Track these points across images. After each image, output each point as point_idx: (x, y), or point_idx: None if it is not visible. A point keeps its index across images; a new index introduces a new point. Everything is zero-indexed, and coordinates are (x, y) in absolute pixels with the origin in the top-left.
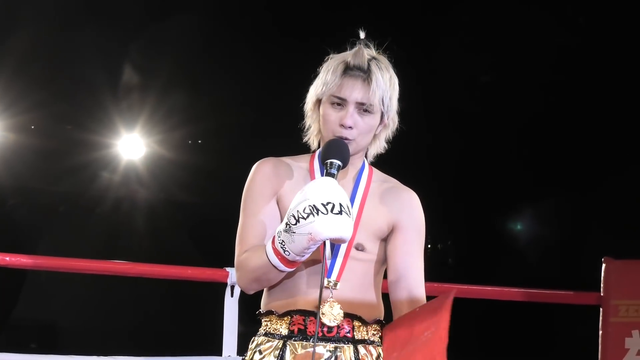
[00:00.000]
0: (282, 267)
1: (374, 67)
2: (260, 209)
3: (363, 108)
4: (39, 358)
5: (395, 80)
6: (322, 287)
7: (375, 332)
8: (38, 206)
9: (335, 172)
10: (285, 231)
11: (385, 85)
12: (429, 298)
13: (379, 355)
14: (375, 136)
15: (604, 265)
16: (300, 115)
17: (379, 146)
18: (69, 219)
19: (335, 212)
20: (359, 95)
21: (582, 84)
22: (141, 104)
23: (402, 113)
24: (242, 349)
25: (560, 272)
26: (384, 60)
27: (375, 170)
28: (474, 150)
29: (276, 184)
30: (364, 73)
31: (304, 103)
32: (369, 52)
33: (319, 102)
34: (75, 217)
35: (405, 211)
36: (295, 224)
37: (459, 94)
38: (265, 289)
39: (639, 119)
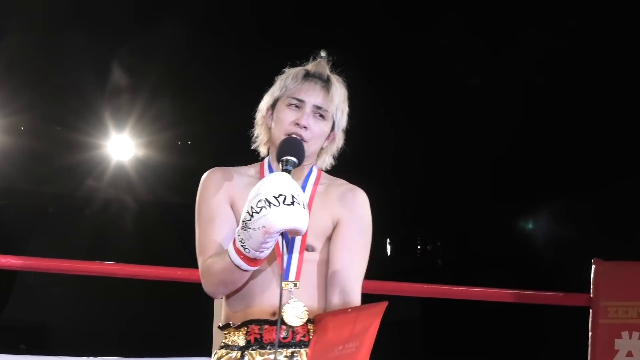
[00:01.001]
0: (245, 266)
1: (333, 78)
2: (216, 215)
3: (319, 113)
4: (29, 358)
5: (346, 99)
6: (282, 287)
7: None
8: (27, 207)
9: (291, 169)
10: (243, 229)
11: (340, 98)
12: (421, 299)
13: None
14: (322, 149)
15: (593, 267)
16: None
17: (326, 160)
18: (58, 220)
19: (287, 204)
20: (317, 99)
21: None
22: (131, 105)
23: (401, 115)
24: None
25: (551, 274)
26: (340, 79)
27: (323, 174)
28: (464, 153)
29: (228, 189)
30: (323, 81)
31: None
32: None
33: (272, 108)
34: (65, 218)
35: (348, 208)
36: (250, 220)
37: (451, 95)
38: (224, 302)
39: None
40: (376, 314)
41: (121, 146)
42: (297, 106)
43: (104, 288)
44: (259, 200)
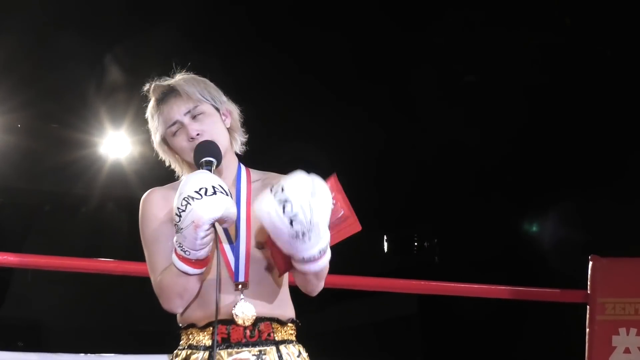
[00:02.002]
0: (190, 270)
1: (175, 83)
2: (160, 234)
3: (192, 115)
4: (26, 356)
5: (205, 79)
6: (218, 285)
7: (292, 332)
8: (23, 205)
9: (211, 169)
10: (177, 232)
11: (193, 85)
12: (418, 296)
13: (299, 353)
14: (229, 130)
15: (590, 263)
16: (289, 116)
17: (238, 136)
18: (55, 218)
19: (210, 194)
20: (182, 108)
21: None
22: (127, 102)
23: (400, 112)
24: None
25: (548, 270)
26: (185, 75)
27: (252, 170)
28: (463, 150)
29: (167, 208)
30: (173, 91)
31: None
32: (173, 79)
33: (165, 142)
34: (61, 216)
35: None
36: (180, 220)
37: (450, 91)
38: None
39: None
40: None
41: (118, 143)
42: (177, 129)
43: (101, 285)
44: (183, 199)
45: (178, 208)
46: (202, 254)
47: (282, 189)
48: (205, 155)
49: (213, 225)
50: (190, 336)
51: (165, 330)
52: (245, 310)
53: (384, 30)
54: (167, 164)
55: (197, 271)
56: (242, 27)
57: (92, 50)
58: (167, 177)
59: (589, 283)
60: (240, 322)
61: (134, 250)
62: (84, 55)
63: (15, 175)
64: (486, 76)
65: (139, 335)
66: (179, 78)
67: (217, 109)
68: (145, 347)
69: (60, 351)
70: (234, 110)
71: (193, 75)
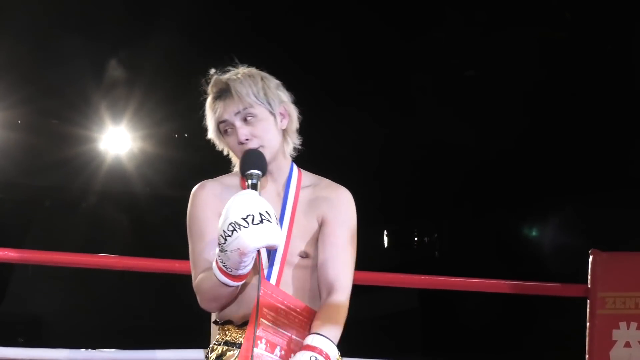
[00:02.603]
0: (230, 282)
1: (231, 82)
2: (206, 232)
3: (244, 116)
4: (27, 351)
5: (266, 77)
6: (258, 297)
7: None
8: (24, 201)
9: (257, 182)
10: (220, 251)
11: (250, 86)
12: (419, 291)
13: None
14: (284, 132)
15: (591, 257)
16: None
17: (292, 139)
18: (55, 214)
19: (256, 223)
20: (233, 108)
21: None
22: (127, 98)
23: (401, 109)
24: None
25: (549, 265)
26: (244, 71)
27: (305, 173)
28: (462, 146)
29: (216, 205)
30: (226, 91)
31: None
32: (228, 73)
33: (219, 134)
34: (61, 211)
35: (332, 206)
36: (225, 243)
37: (449, 87)
38: None
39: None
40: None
41: (118, 139)
42: (229, 128)
43: (102, 280)
44: (229, 224)
45: (224, 231)
46: (243, 272)
47: None
48: (251, 167)
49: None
50: (227, 332)
51: (166, 325)
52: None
53: (384, 29)
54: (224, 152)
55: (237, 284)
56: (243, 27)
57: (92, 46)
58: (167, 173)
59: (589, 277)
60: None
61: (133, 245)
62: (84, 51)
63: (16, 171)
64: (488, 73)
65: (139, 330)
66: (238, 73)
67: (272, 112)
68: (145, 343)
69: (61, 347)
70: (292, 111)
71: (252, 72)
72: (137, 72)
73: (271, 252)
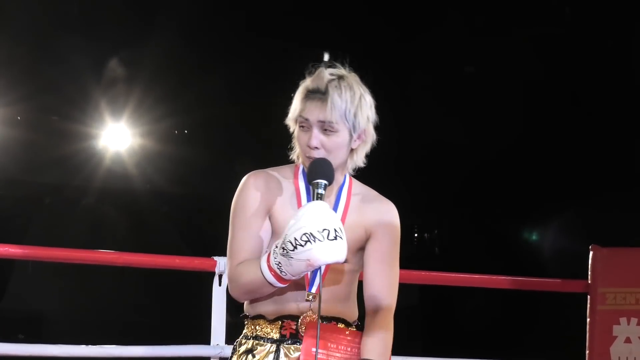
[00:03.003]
0: (277, 284)
1: (331, 88)
2: (253, 223)
3: (325, 127)
4: (27, 347)
5: (364, 96)
6: (320, 299)
7: None
8: (24, 197)
9: (323, 192)
10: (283, 255)
11: (346, 102)
12: (419, 287)
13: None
14: (353, 151)
15: (591, 253)
16: (285, 108)
17: (358, 160)
18: (55, 210)
19: (331, 239)
20: (319, 115)
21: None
22: (127, 95)
23: (403, 111)
24: (230, 337)
25: (548, 261)
26: (350, 79)
27: (355, 182)
28: (460, 144)
29: (268, 199)
30: (322, 94)
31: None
32: (335, 71)
33: (294, 124)
34: (62, 208)
35: (382, 221)
36: (293, 250)
37: (448, 83)
38: None
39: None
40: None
41: (118, 136)
42: (305, 126)
43: (102, 277)
44: (304, 234)
45: (295, 239)
46: (296, 278)
47: None
48: (320, 176)
49: None
50: (257, 327)
51: (166, 321)
52: (308, 321)
53: (385, 28)
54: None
55: (282, 286)
56: (239, 18)
57: (92, 43)
58: (167, 169)
59: (589, 273)
60: (302, 331)
61: (133, 241)
62: (83, 48)
63: (16, 168)
64: (487, 71)
65: (139, 326)
66: (342, 81)
67: (352, 133)
68: (145, 339)
69: (61, 343)
70: (370, 135)
71: (354, 85)
72: (137, 69)
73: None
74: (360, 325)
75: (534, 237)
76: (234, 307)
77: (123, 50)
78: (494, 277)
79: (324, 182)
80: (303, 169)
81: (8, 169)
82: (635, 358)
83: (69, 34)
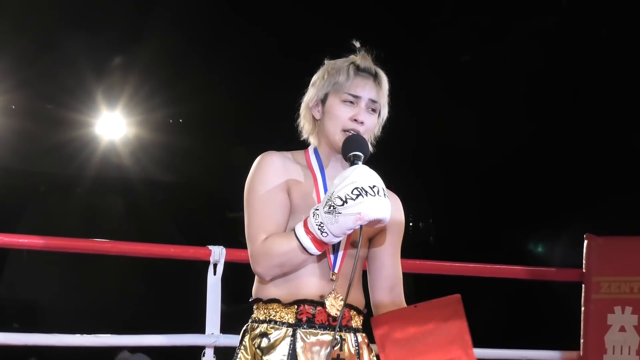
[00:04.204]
0: (313, 249)
1: (379, 71)
2: (275, 199)
3: (372, 107)
4: (21, 337)
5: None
6: (351, 281)
7: (361, 322)
8: (18, 186)
9: (360, 164)
10: (328, 212)
11: (386, 88)
12: (414, 276)
13: (367, 342)
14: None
15: (585, 242)
16: (279, 98)
17: (371, 140)
18: (50, 199)
19: (381, 195)
20: (372, 94)
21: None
22: (123, 84)
23: (401, 98)
24: (225, 327)
25: (542, 250)
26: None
27: None
28: (456, 129)
29: (285, 176)
30: (373, 75)
31: (300, 103)
32: (373, 63)
33: (321, 101)
34: (56, 197)
35: (394, 215)
36: (342, 205)
37: (446, 75)
38: (259, 279)
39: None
40: (449, 309)
41: (112, 124)
42: (352, 102)
43: (96, 266)
44: (355, 188)
45: (346, 195)
46: (336, 240)
47: None
48: (357, 149)
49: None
50: (271, 311)
51: (161, 310)
52: (336, 302)
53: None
54: (300, 125)
55: (318, 252)
56: (237, 7)
57: (87, 31)
58: (162, 159)
59: (584, 262)
60: (330, 311)
61: (128, 230)
62: (79, 36)
63: (10, 156)
64: (484, 61)
65: (134, 315)
66: (381, 70)
67: (380, 115)
68: (140, 328)
69: (56, 332)
70: (377, 130)
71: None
72: (132, 58)
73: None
74: (367, 313)
75: (535, 247)
76: (228, 296)
77: (119, 39)
78: (488, 265)
79: (360, 154)
80: (315, 150)
81: (2, 158)
82: (629, 347)
83: (65, 22)
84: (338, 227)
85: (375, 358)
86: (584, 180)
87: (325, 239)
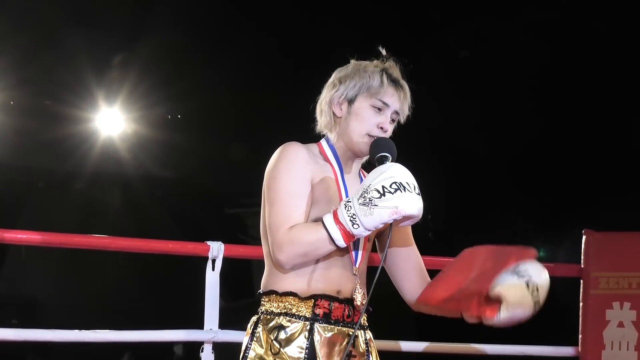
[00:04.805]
0: (340, 241)
1: (405, 85)
2: (299, 189)
3: (393, 117)
4: (20, 332)
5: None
6: (377, 275)
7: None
8: (17, 182)
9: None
10: (363, 204)
11: (408, 102)
12: None
13: (372, 338)
14: None
15: (584, 238)
16: (278, 95)
17: None
18: (49, 195)
19: (417, 193)
20: (398, 105)
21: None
22: (122, 80)
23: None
24: (223, 322)
25: (542, 245)
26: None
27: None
28: (455, 125)
29: (310, 167)
30: (401, 86)
31: (317, 97)
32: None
33: (348, 101)
34: (55, 193)
35: None
36: (380, 197)
37: (444, 67)
38: (277, 270)
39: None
40: (472, 253)
41: (111, 120)
42: (381, 108)
43: (95, 262)
44: (394, 182)
45: (383, 187)
46: (366, 234)
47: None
48: (385, 151)
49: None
50: (287, 304)
51: (159, 305)
52: (361, 297)
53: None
54: (319, 116)
55: (344, 244)
56: (237, 4)
57: (86, 27)
58: (160, 155)
59: (582, 257)
60: (358, 303)
61: (127, 226)
62: (78, 32)
63: (9, 153)
64: (482, 55)
65: (133, 311)
66: (406, 83)
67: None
68: (138, 324)
69: (54, 328)
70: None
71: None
72: (131, 53)
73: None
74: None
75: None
76: (227, 292)
77: (118, 35)
78: None
79: (389, 155)
80: (329, 143)
81: (1, 154)
82: (628, 342)
83: (64, 18)
84: (372, 219)
85: (378, 356)
86: (583, 181)
87: (355, 231)
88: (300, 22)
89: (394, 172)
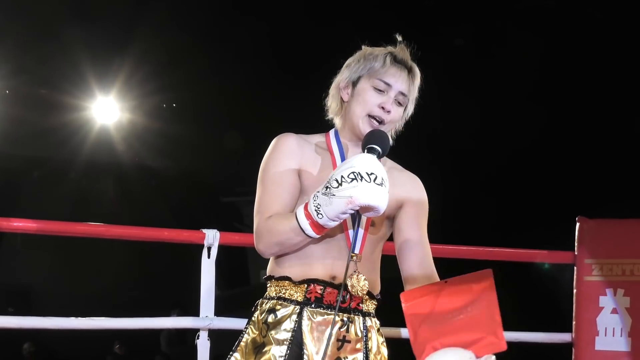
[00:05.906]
0: (310, 231)
1: (414, 66)
2: (285, 180)
3: (400, 99)
4: (17, 320)
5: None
6: (349, 256)
7: (374, 306)
8: (12, 171)
9: (376, 157)
10: (324, 194)
11: (417, 84)
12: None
13: (378, 328)
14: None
15: (577, 225)
16: (273, 85)
17: (397, 129)
18: (44, 183)
19: (377, 183)
20: (403, 85)
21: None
22: (117, 69)
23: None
24: (219, 310)
25: (536, 232)
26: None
27: (384, 157)
28: (450, 117)
29: (299, 158)
30: (408, 68)
31: (329, 84)
32: (409, 58)
33: (352, 85)
34: (50, 181)
35: (415, 191)
36: (337, 187)
37: (443, 60)
38: (274, 257)
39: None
40: (480, 284)
41: (106, 109)
42: (382, 90)
43: (90, 250)
44: (352, 172)
45: (342, 177)
46: (331, 224)
47: None
48: (376, 143)
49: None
50: (281, 288)
51: (155, 293)
52: (359, 283)
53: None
54: (328, 104)
55: (315, 235)
56: (236, 8)
57: (83, 17)
58: (155, 144)
59: (576, 244)
60: (353, 291)
61: (121, 214)
62: (74, 21)
63: (4, 141)
64: (476, 44)
65: (128, 298)
66: (416, 65)
67: (407, 108)
68: (134, 311)
69: (51, 315)
70: (399, 125)
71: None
72: (127, 43)
73: (357, 219)
74: (381, 300)
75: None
76: (223, 279)
77: (114, 24)
78: (481, 248)
79: (378, 148)
80: (336, 134)
81: None
82: (621, 329)
83: (61, 8)
84: (332, 209)
85: (384, 344)
86: (577, 169)
87: (320, 221)
88: (294, 14)
89: (356, 162)
